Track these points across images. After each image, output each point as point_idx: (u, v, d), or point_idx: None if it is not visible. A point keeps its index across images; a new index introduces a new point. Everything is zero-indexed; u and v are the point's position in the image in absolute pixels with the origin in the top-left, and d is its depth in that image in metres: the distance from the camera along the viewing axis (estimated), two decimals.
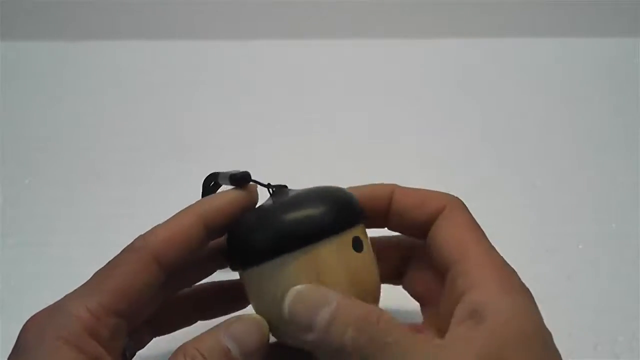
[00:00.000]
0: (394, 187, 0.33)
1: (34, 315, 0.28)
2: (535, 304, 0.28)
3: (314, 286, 0.28)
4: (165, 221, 0.30)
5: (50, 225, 0.51)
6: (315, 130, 0.60)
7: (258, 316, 0.29)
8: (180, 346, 0.28)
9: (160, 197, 0.53)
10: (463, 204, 0.32)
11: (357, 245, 0.30)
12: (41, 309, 0.28)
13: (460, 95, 0.65)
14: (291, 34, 0.71)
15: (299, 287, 0.28)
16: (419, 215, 0.32)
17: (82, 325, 0.27)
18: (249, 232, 0.29)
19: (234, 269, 0.31)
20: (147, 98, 0.64)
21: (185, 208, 0.30)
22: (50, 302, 0.29)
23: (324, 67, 0.68)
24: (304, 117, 0.62)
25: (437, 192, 0.33)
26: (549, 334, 0.28)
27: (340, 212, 0.29)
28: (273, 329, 0.29)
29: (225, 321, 0.29)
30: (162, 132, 0.60)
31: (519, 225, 0.51)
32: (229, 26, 0.72)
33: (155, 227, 0.30)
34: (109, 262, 0.29)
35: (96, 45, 0.71)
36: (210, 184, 0.33)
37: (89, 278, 0.29)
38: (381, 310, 0.28)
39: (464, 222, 0.31)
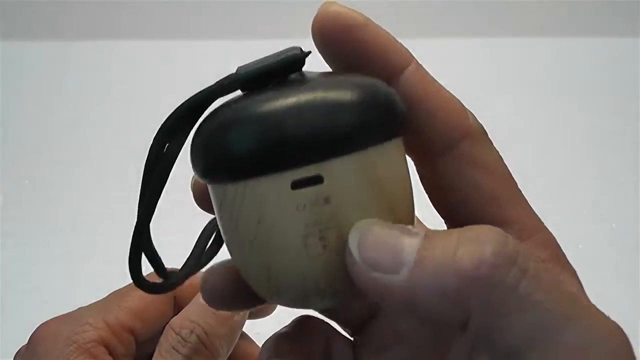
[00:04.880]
0: (411, 60, 0.22)
1: (47, 321, 0.28)
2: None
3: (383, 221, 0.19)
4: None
5: (50, 225, 0.51)
6: None
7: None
8: (167, 324, 0.28)
9: (160, 198, 0.53)
10: (488, 136, 0.23)
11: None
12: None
13: (460, 95, 0.65)
14: (291, 34, 0.71)
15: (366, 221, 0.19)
16: (437, 131, 0.21)
17: (98, 335, 0.27)
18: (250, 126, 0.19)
19: (208, 178, 0.21)
20: (147, 98, 0.64)
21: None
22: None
23: (324, 67, 0.68)
24: None
25: (460, 104, 0.23)
26: None
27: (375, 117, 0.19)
28: (254, 270, 0.20)
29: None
30: None
31: None
32: (229, 26, 0.72)
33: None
34: (130, 283, 0.30)
35: (96, 45, 0.71)
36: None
37: (105, 295, 0.30)
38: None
39: (494, 165, 0.22)
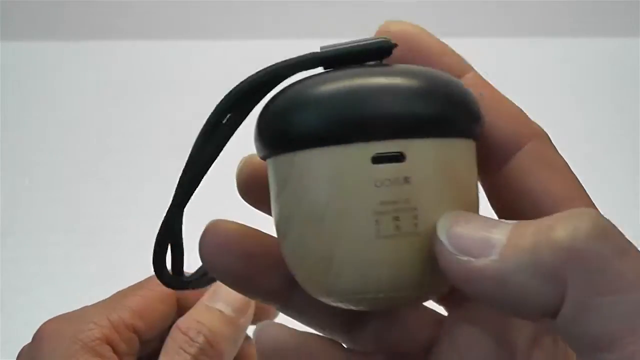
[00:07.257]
0: (469, 69, 0.23)
1: (51, 319, 0.28)
2: None
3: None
4: None
5: (50, 225, 0.51)
6: None
7: None
8: (174, 325, 0.28)
9: (160, 198, 0.53)
10: (550, 139, 0.23)
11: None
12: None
13: None
14: (291, 34, 0.71)
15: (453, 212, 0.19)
16: (504, 132, 0.21)
17: (102, 333, 0.27)
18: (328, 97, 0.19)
19: (281, 144, 0.20)
20: (147, 98, 0.64)
21: None
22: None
23: None
24: None
25: (521, 109, 0.23)
26: None
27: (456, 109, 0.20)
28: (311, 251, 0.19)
29: (206, 293, 0.29)
30: (162, 132, 0.60)
31: None
32: (229, 26, 0.72)
33: None
34: (134, 284, 0.30)
35: (96, 45, 0.71)
36: None
37: (110, 294, 0.30)
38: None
39: (564, 167, 0.22)
